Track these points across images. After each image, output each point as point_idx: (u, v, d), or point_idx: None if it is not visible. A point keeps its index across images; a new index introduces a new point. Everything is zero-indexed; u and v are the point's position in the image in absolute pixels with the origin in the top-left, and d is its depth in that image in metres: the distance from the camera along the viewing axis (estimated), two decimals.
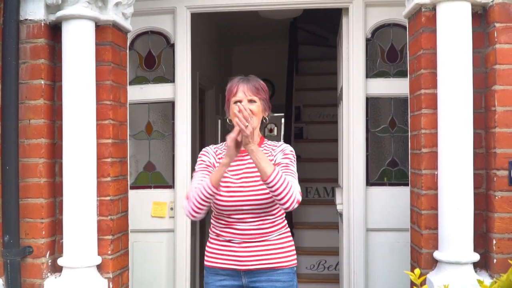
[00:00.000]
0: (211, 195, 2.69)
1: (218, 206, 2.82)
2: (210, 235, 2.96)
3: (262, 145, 2.94)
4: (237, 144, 2.65)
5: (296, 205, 2.66)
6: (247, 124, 2.53)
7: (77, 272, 3.26)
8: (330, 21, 7.09)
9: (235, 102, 2.77)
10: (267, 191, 2.70)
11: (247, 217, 2.80)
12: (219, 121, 7.78)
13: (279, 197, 2.62)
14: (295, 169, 2.83)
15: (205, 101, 7.00)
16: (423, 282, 3.25)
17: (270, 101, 2.93)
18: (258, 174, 2.67)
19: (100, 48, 3.40)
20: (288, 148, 2.91)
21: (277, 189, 2.59)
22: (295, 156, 2.92)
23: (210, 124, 7.17)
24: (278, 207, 2.84)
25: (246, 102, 2.77)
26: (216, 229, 2.89)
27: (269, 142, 2.99)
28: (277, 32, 8.06)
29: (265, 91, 2.90)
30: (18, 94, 3.26)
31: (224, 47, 8.07)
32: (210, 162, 2.90)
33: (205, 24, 6.43)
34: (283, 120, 8.27)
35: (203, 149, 2.98)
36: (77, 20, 3.27)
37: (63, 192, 3.29)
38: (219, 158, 2.90)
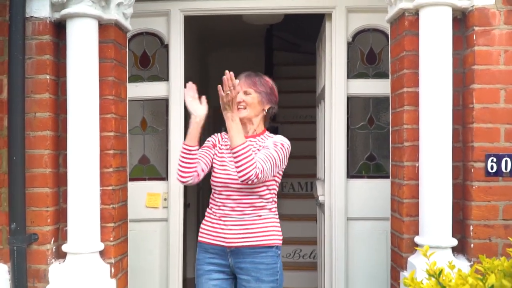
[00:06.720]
0: (186, 153, 2.75)
1: (213, 183, 2.85)
2: (206, 213, 2.93)
3: (262, 136, 2.91)
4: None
5: (250, 182, 2.62)
6: (228, 91, 2.58)
7: (80, 257, 3.14)
8: (302, 30, 7.06)
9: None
10: None
11: (234, 194, 2.79)
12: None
13: (237, 169, 2.62)
14: (276, 155, 2.76)
15: None
16: (405, 265, 3.25)
17: None
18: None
19: (103, 46, 3.28)
20: (280, 139, 2.86)
21: (239, 161, 2.61)
22: (287, 149, 2.85)
23: None
24: (264, 190, 2.81)
25: (242, 94, 2.84)
26: (212, 208, 2.88)
27: (270, 134, 2.96)
28: (252, 39, 7.93)
29: (265, 86, 2.92)
30: (24, 88, 3.12)
31: (203, 52, 7.96)
32: (213, 143, 2.95)
33: (187, 30, 6.32)
34: None
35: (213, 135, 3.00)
36: (81, 19, 3.15)
37: (68, 182, 3.16)
38: (224, 142, 2.91)
